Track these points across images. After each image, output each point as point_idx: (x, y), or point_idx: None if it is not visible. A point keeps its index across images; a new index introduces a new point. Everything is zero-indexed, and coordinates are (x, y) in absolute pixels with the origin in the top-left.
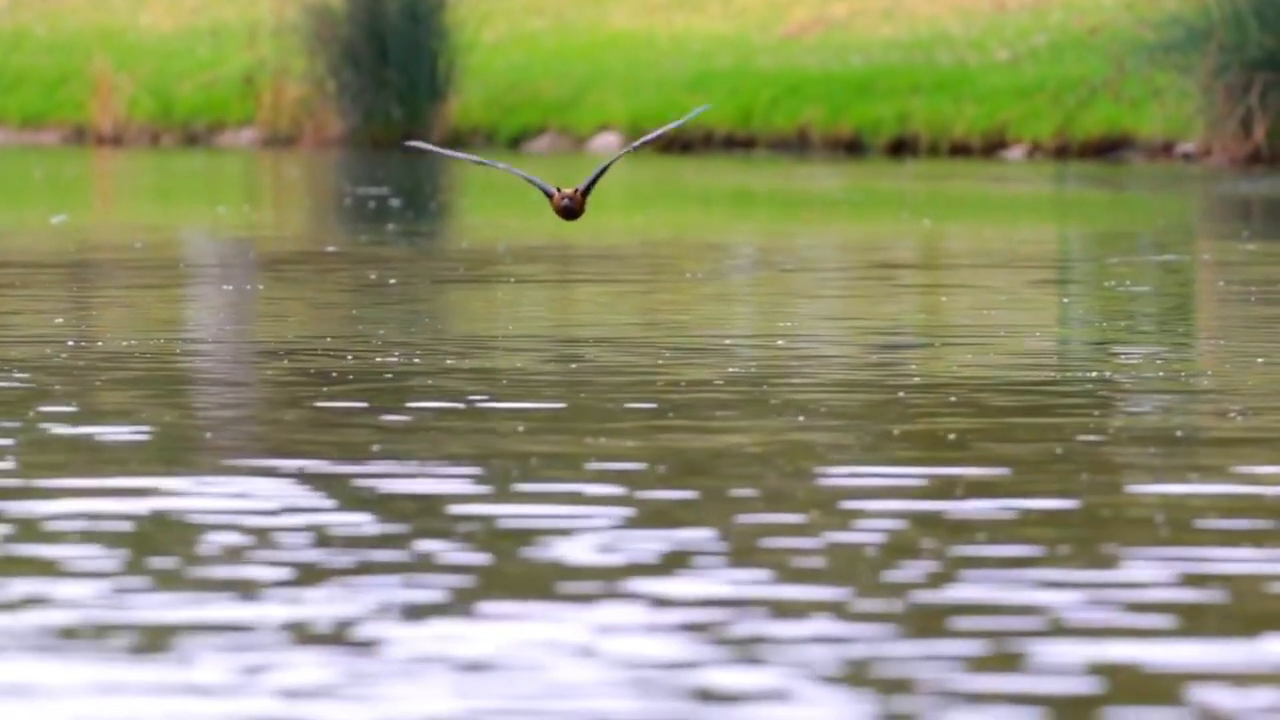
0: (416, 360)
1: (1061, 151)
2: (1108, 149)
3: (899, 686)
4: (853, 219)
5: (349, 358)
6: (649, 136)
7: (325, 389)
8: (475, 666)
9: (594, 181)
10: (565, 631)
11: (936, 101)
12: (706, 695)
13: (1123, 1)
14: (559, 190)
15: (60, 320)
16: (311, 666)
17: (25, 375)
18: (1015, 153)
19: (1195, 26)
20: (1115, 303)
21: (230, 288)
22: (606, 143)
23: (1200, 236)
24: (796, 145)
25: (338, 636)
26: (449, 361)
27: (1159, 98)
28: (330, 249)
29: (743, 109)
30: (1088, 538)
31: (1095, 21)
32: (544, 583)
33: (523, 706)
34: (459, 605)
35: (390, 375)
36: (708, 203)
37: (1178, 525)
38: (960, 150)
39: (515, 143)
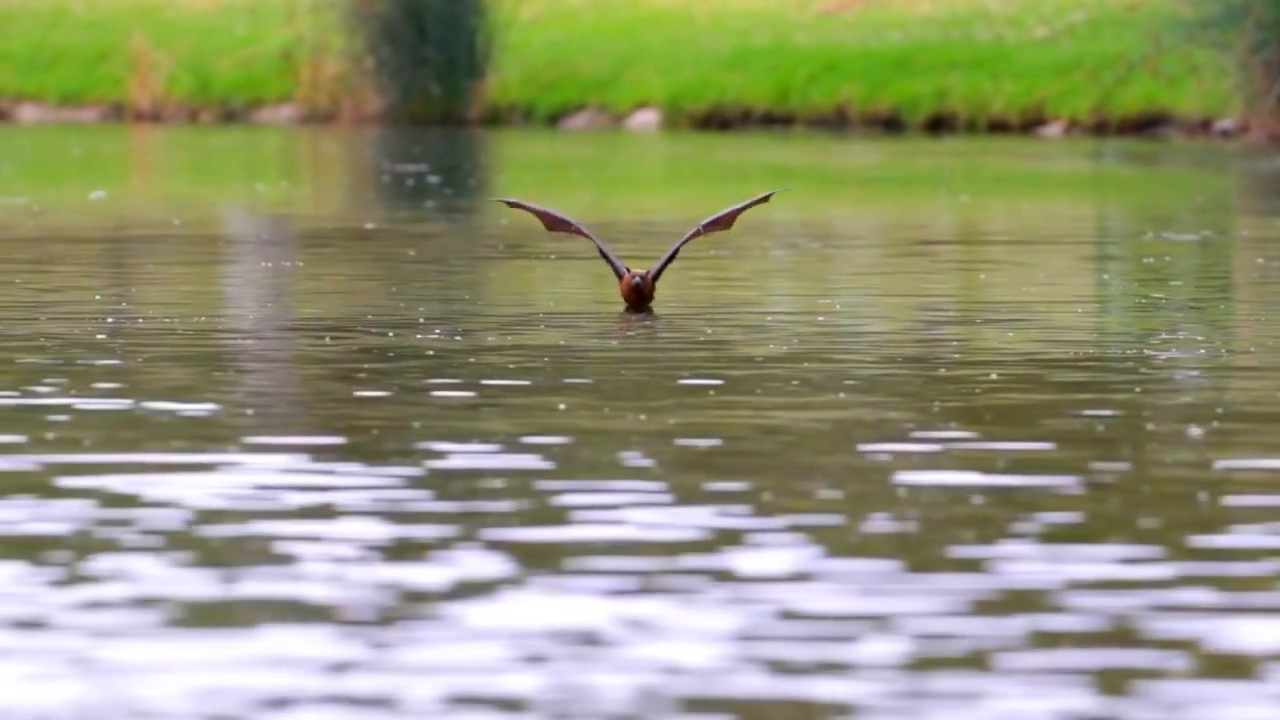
0: (459, 338)
1: (1099, 128)
2: (1145, 126)
3: (971, 663)
4: (891, 196)
5: (390, 334)
6: (723, 213)
7: (368, 366)
8: (532, 640)
9: (664, 266)
10: (618, 608)
11: (974, 78)
12: (775, 667)
13: None
14: (629, 271)
15: (99, 296)
16: (364, 642)
17: (66, 351)
18: (1053, 129)
19: (1233, 3)
20: (1153, 279)
21: (269, 265)
22: (644, 120)
23: (1238, 213)
24: (834, 122)
25: (395, 611)
26: (491, 339)
27: (1197, 74)
28: (369, 226)
29: (781, 86)
30: (1125, 512)
31: None
32: (595, 559)
33: (580, 681)
34: (514, 580)
35: (431, 352)
36: (745, 179)
37: (1218, 500)
38: (998, 127)
39: (553, 120)
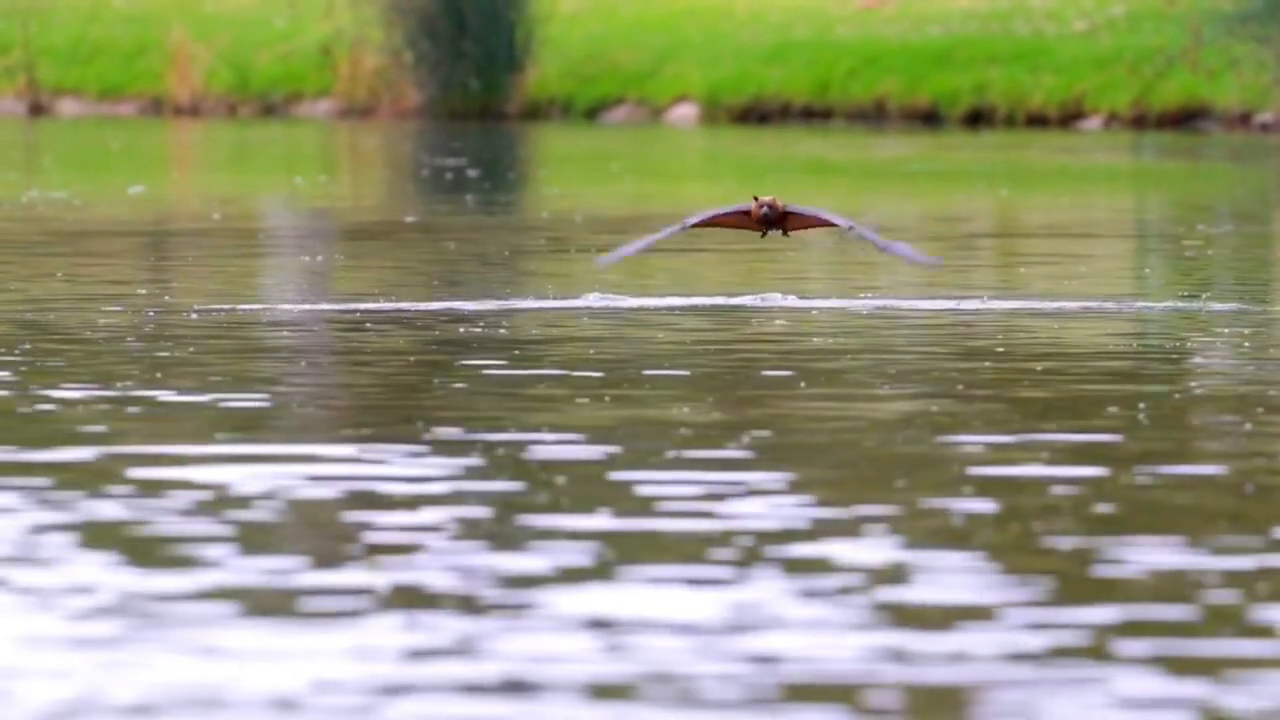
0: (503, 331)
1: (1139, 122)
2: (1185, 119)
3: (1074, 652)
4: (930, 190)
5: (435, 329)
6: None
7: (413, 359)
8: (613, 631)
9: (802, 214)
10: (710, 598)
11: (1014, 72)
12: (883, 654)
13: None
14: (755, 199)
15: (141, 290)
16: (447, 632)
17: (110, 344)
18: (1092, 123)
19: None
20: (1195, 273)
21: (309, 258)
22: (683, 114)
23: (1278, 207)
24: (874, 116)
25: (486, 599)
26: (534, 331)
27: (1236, 68)
28: (409, 219)
29: (820, 80)
30: (1194, 502)
31: None
32: (679, 548)
33: (676, 671)
34: (599, 570)
35: (475, 345)
36: (785, 173)
37: (1267, 492)
38: (1037, 121)
39: (592, 113)
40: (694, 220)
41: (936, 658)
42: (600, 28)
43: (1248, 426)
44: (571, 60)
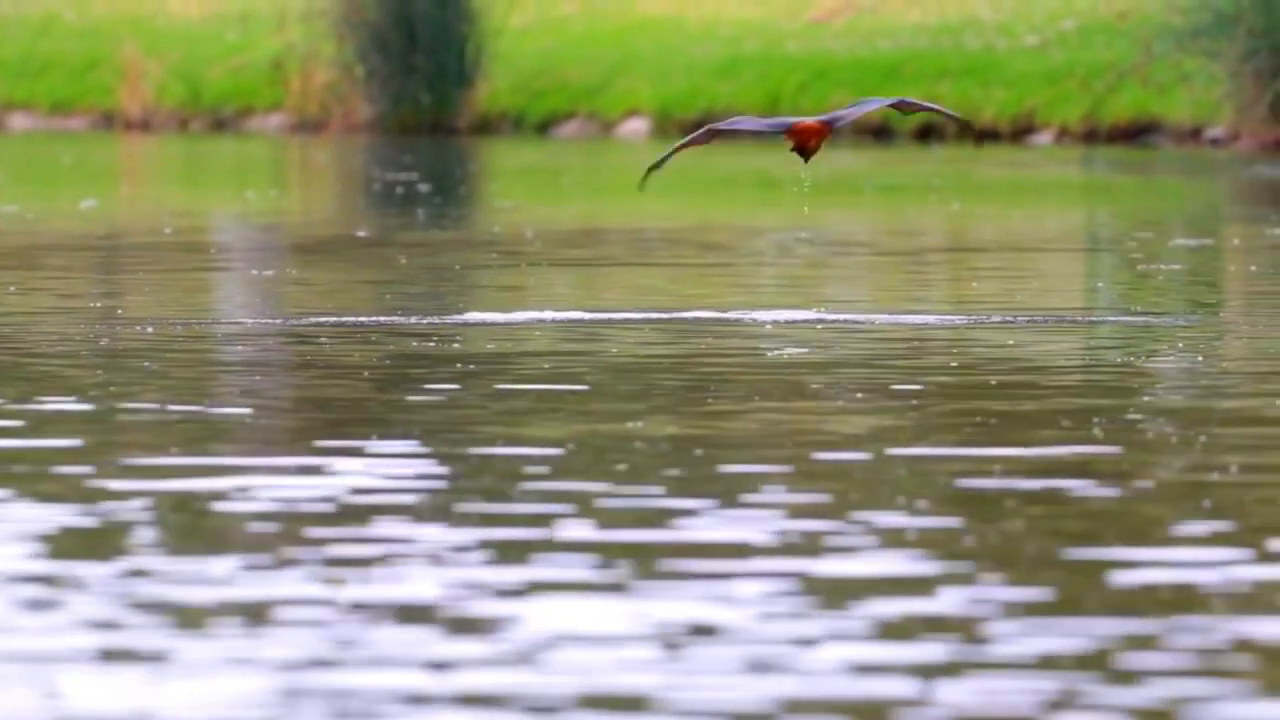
0: (456, 345)
1: (1090, 136)
2: (1136, 134)
3: (1080, 664)
4: (881, 204)
5: (388, 343)
6: (923, 105)
7: (366, 373)
8: (575, 645)
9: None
10: (704, 612)
11: (965, 86)
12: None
13: None
14: (791, 129)
15: (91, 304)
16: (420, 645)
17: (63, 358)
18: (1043, 137)
19: (1223, 11)
20: (1145, 287)
21: (260, 272)
22: (634, 128)
23: (1229, 221)
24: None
25: (443, 615)
26: (488, 345)
27: (1187, 82)
28: (360, 234)
29: (770, 94)
30: (1129, 517)
31: (1124, 6)
32: (668, 562)
33: (630, 686)
34: (588, 582)
35: (427, 359)
36: (735, 187)
37: (1222, 507)
38: (988, 135)
39: (543, 128)
40: (722, 126)
41: (906, 669)
42: (551, 42)
43: (1202, 439)
44: (522, 75)
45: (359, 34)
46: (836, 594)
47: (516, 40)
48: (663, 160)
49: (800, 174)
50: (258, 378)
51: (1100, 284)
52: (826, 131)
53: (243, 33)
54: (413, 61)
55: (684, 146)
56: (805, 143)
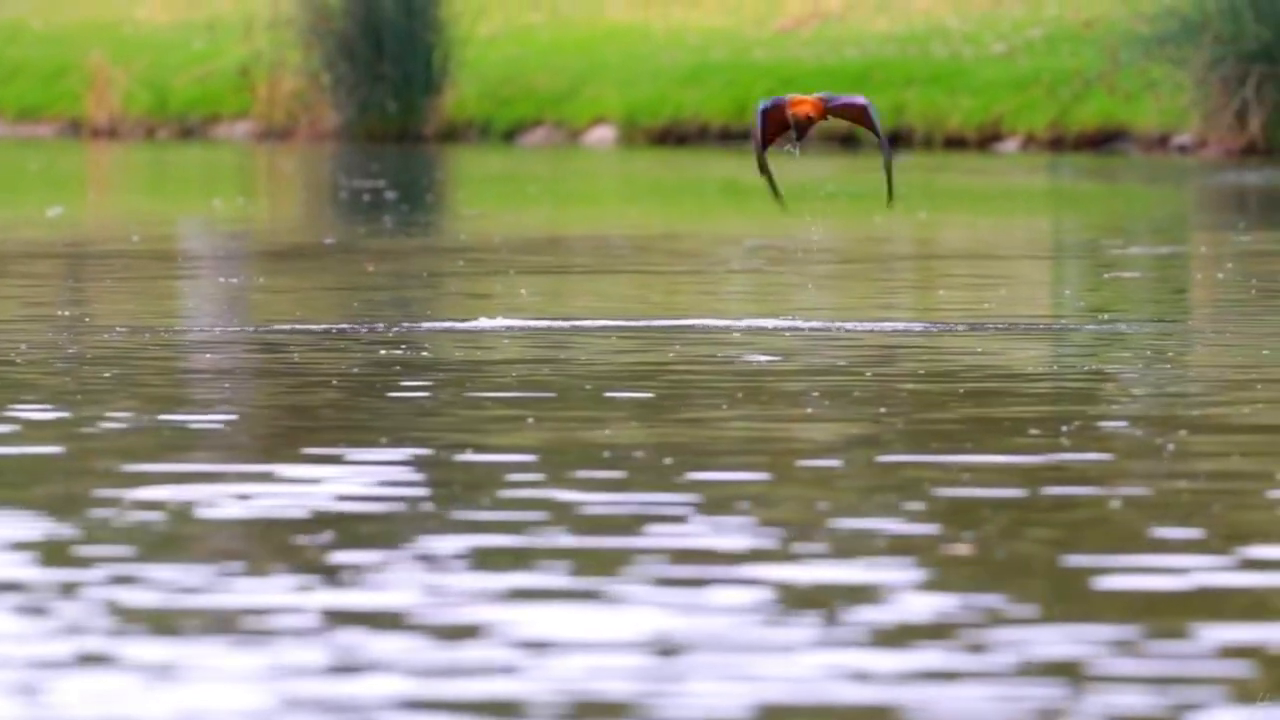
0: (424, 353)
1: (1056, 144)
2: (1103, 141)
3: (1055, 670)
4: (848, 211)
5: (355, 351)
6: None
7: (335, 381)
8: (556, 652)
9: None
10: (675, 621)
11: (931, 94)
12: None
13: None
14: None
15: (59, 313)
16: (400, 652)
17: (25, 367)
18: (1010, 145)
19: (1190, 19)
20: (1112, 295)
21: (227, 280)
22: (601, 136)
23: (1196, 229)
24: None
25: (409, 620)
26: (456, 353)
27: (1154, 90)
28: (327, 241)
29: (738, 102)
30: (1099, 523)
31: (1090, 14)
32: (641, 568)
33: (610, 692)
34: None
35: (395, 367)
36: (702, 195)
37: (1191, 515)
38: (955, 143)
39: (510, 136)
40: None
41: (881, 677)
42: (518, 50)
43: (1171, 446)
44: (489, 82)
45: (326, 42)
46: (810, 601)
47: (483, 48)
48: (769, 177)
49: (790, 150)
50: (226, 385)
51: (1067, 291)
52: (822, 108)
53: (210, 41)
54: (380, 69)
55: (763, 150)
56: (804, 117)
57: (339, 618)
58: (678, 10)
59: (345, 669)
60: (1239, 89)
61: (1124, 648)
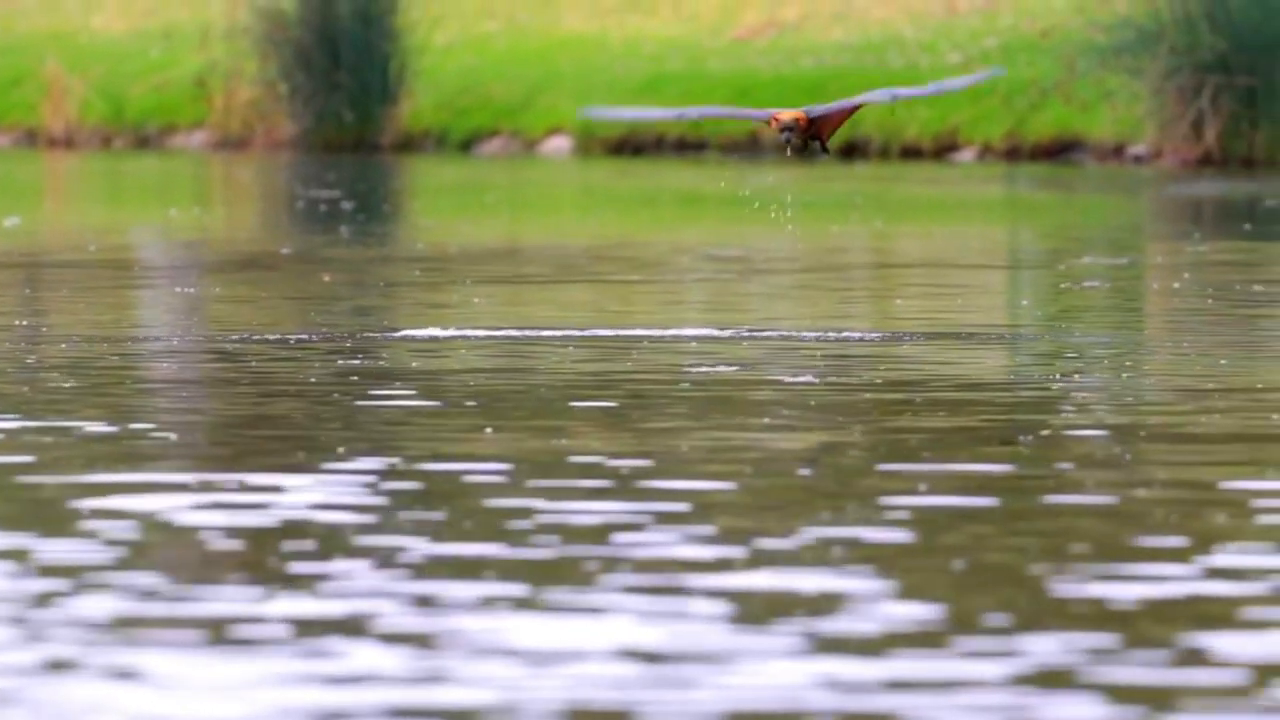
0: (382, 362)
1: (1012, 154)
2: (1059, 151)
3: (1037, 680)
4: (805, 221)
5: (313, 360)
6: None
7: (291, 390)
8: (532, 661)
9: (830, 114)
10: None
11: (888, 104)
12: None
13: (1074, 4)
14: (775, 120)
15: (15, 322)
16: (358, 661)
17: None
18: (966, 155)
19: (1146, 29)
20: (1069, 304)
21: (184, 290)
22: (557, 146)
23: (1151, 238)
24: (747, 148)
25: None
26: (415, 364)
27: (1110, 100)
28: (284, 251)
29: None
30: (1062, 533)
31: (1046, 24)
32: (605, 578)
33: (587, 702)
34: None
35: (354, 376)
36: (659, 205)
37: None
38: (911, 153)
39: (466, 146)
40: (699, 112)
41: (842, 686)
42: (474, 60)
43: (1127, 456)
44: (445, 92)
45: (282, 51)
46: (777, 610)
47: (440, 58)
48: (619, 115)
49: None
50: (185, 395)
51: (1024, 301)
52: (804, 127)
53: (166, 50)
54: (336, 79)
55: (650, 117)
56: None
57: (304, 627)
58: (633, 20)
59: (311, 678)
60: (1194, 99)
61: (1093, 656)
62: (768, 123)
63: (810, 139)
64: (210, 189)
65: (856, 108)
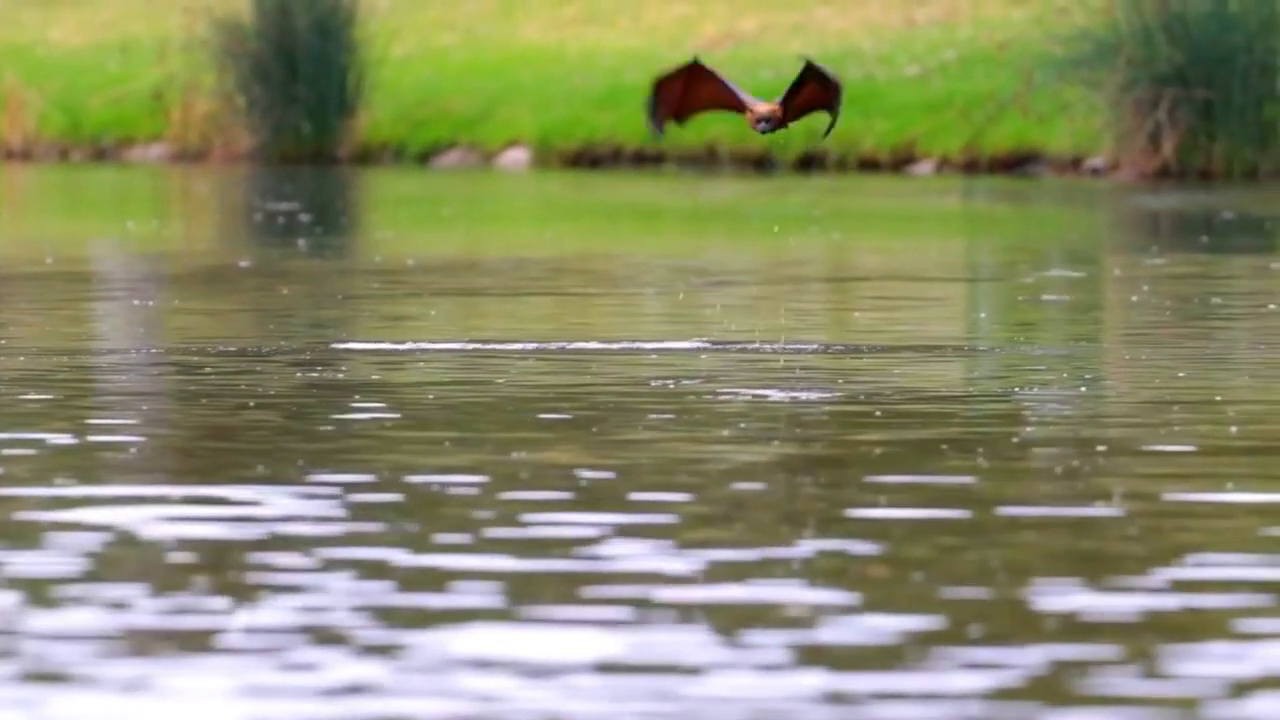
0: (340, 375)
1: (970, 166)
2: (1016, 164)
3: (1013, 693)
4: (763, 233)
5: (272, 373)
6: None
7: (252, 403)
8: (505, 673)
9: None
10: (614, 640)
11: (845, 116)
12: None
13: (1031, 16)
14: (752, 112)
15: None
16: (331, 672)
17: None
18: (924, 167)
19: (1104, 41)
20: (1027, 317)
21: (142, 302)
22: (515, 158)
23: (1109, 251)
24: (705, 160)
25: (352, 641)
26: (375, 376)
27: (1067, 113)
28: (242, 264)
29: None
30: (1025, 546)
31: (1004, 37)
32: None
33: (559, 715)
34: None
35: (312, 389)
36: (616, 217)
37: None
38: (869, 165)
39: (424, 158)
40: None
41: (805, 698)
42: (432, 72)
43: (1086, 468)
44: (403, 105)
45: (240, 64)
46: (741, 622)
47: (397, 70)
48: (655, 109)
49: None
50: (145, 407)
51: (982, 314)
52: (780, 118)
53: (123, 63)
54: (294, 91)
55: (667, 83)
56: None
57: (273, 636)
58: (591, 31)
59: (280, 690)
60: (1152, 112)
61: (1059, 668)
62: (744, 113)
63: (787, 123)
64: (168, 202)
65: (825, 93)
